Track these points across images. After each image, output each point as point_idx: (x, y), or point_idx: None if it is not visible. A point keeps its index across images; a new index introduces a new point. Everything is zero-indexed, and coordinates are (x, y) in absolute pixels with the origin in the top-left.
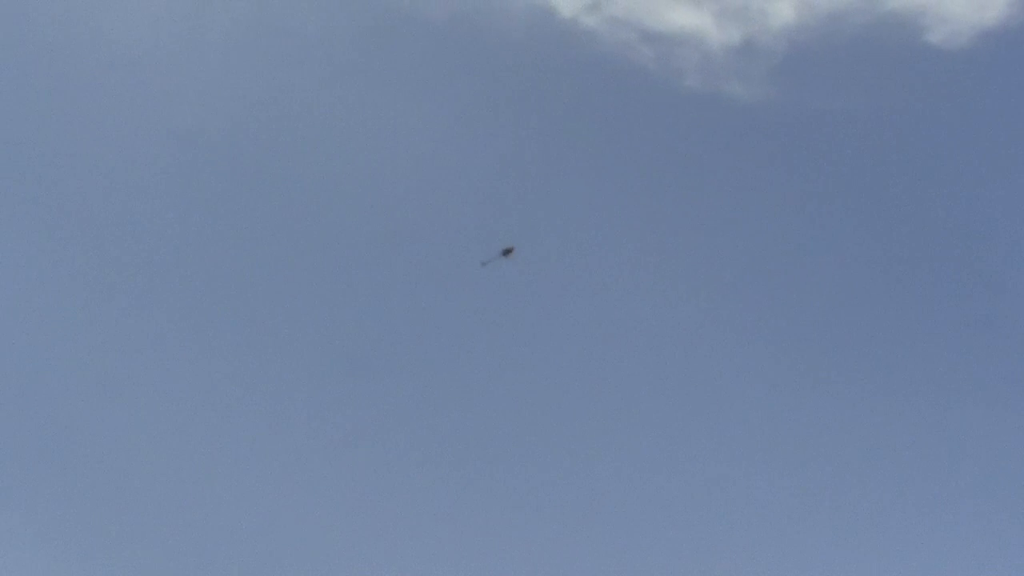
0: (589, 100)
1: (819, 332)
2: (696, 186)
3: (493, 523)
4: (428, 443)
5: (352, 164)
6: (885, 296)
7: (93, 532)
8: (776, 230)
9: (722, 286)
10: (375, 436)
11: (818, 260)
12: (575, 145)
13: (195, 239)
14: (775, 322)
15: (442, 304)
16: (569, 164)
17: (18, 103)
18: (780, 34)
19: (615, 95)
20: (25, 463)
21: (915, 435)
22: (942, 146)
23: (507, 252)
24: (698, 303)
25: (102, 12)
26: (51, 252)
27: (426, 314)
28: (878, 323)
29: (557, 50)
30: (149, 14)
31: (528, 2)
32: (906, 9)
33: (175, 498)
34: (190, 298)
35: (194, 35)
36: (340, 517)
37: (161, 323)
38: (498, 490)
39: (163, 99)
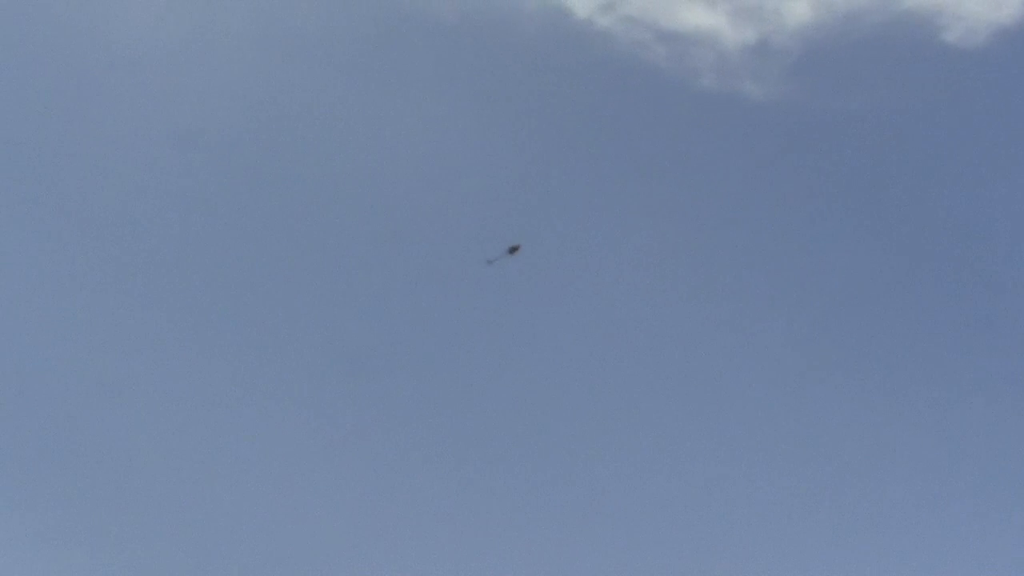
0: (604, 100)
1: (832, 331)
2: (711, 186)
3: (494, 522)
4: (430, 442)
5: (365, 164)
6: (901, 295)
7: (93, 531)
8: (791, 229)
9: (737, 285)
10: (378, 435)
11: (834, 259)
12: (590, 145)
13: (208, 237)
14: (787, 321)
15: (451, 304)
16: (584, 164)
17: (22, 103)
18: (795, 33)
19: (630, 95)
20: (27, 463)
21: (916, 434)
22: (958, 145)
23: (513, 250)
24: (711, 302)
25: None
26: (58, 251)
27: (434, 314)
28: (893, 323)
29: (572, 50)
30: (156, 13)
31: (543, 2)
32: (922, 8)
33: (176, 497)
34: (197, 295)
35: (205, 35)
36: (341, 516)
37: (171, 320)
38: (499, 489)
39: (169, 99)
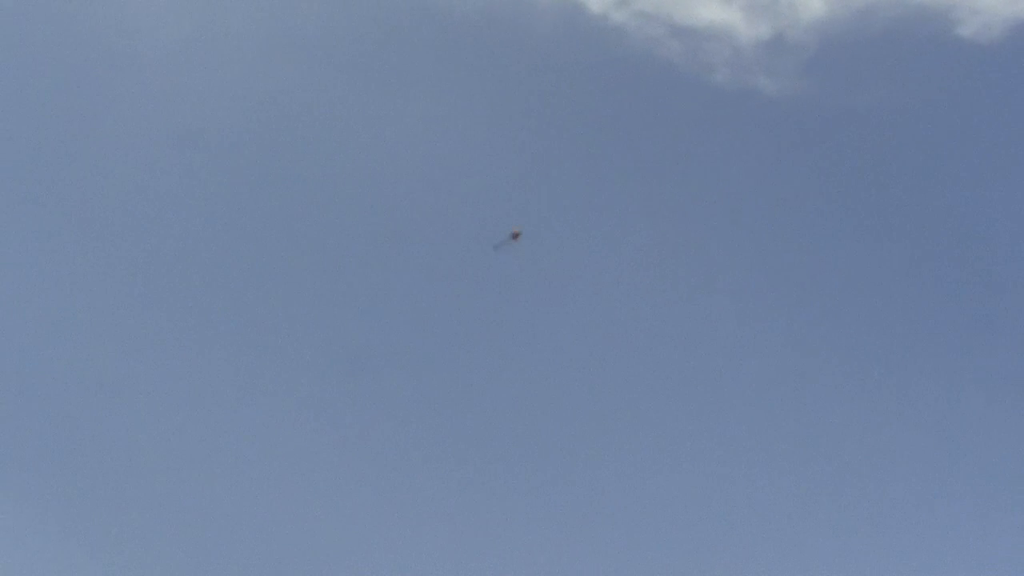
0: (618, 95)
1: (846, 329)
2: (725, 181)
3: (494, 521)
4: (430, 441)
5: (376, 161)
6: (916, 292)
7: (93, 531)
8: (806, 225)
9: (749, 281)
10: (379, 433)
11: (849, 256)
12: (604, 140)
13: (214, 235)
14: (799, 317)
15: (456, 301)
16: (598, 159)
17: (23, 102)
18: (810, 28)
19: (644, 90)
20: (27, 463)
21: (917, 434)
22: (974, 140)
23: (515, 235)
24: (720, 298)
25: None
26: (59, 251)
27: (436, 312)
28: (906, 320)
29: (586, 45)
30: (165, 12)
31: None
32: (937, 2)
33: (175, 496)
34: (202, 293)
35: (215, 32)
36: (340, 514)
37: (171, 318)
38: (499, 488)
39: (176, 99)
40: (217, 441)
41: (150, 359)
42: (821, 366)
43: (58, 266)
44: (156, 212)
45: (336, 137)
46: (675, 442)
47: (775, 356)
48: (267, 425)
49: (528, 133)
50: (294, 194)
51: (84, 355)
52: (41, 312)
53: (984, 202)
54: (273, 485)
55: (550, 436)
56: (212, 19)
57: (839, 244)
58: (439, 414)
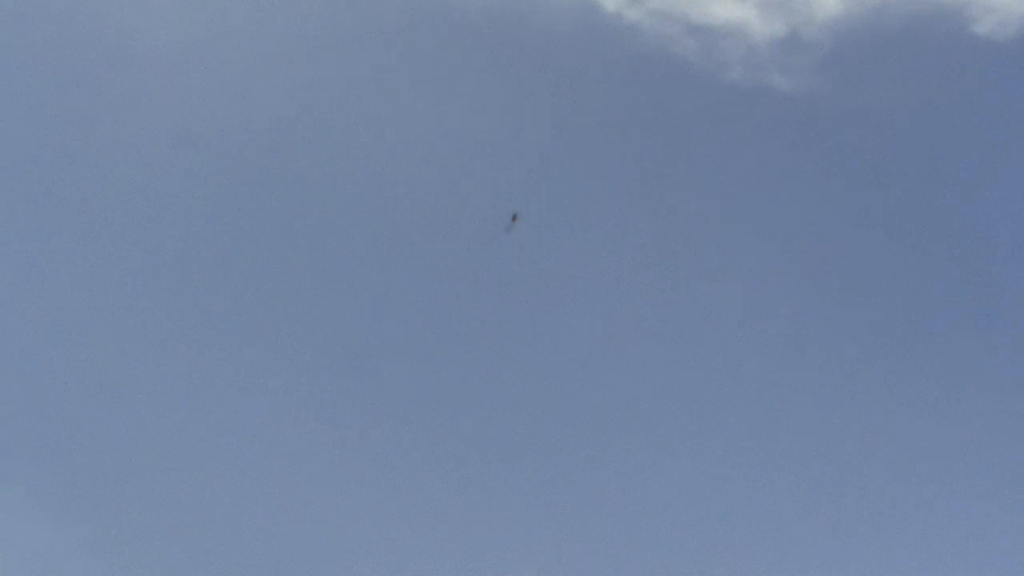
0: (632, 93)
1: (856, 327)
2: (740, 178)
3: (494, 521)
4: (432, 440)
5: (388, 158)
6: (928, 291)
7: (94, 531)
8: (821, 222)
9: (760, 279)
10: (381, 432)
11: (864, 253)
12: (619, 138)
13: (220, 232)
14: (813, 315)
15: (459, 300)
16: (612, 157)
17: (22, 102)
18: (825, 26)
19: (658, 88)
20: (27, 463)
21: (917, 434)
22: (989, 138)
23: (514, 218)
24: (731, 297)
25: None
26: (59, 251)
27: (438, 311)
28: (921, 321)
29: (601, 44)
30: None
31: None
32: (952, 0)
33: (175, 495)
34: (205, 292)
35: (231, 33)
36: (340, 513)
37: (172, 316)
38: (499, 487)
39: (196, 99)
40: (217, 440)
41: (150, 358)
42: (822, 366)
43: (58, 266)
44: (156, 212)
45: (346, 135)
46: (676, 441)
47: (775, 356)
48: (267, 423)
49: (543, 131)
50: (299, 192)
51: (84, 355)
52: (41, 312)
53: (1000, 200)
54: (273, 484)
55: (551, 434)
56: (214, 19)
57: (853, 242)
58: (440, 412)
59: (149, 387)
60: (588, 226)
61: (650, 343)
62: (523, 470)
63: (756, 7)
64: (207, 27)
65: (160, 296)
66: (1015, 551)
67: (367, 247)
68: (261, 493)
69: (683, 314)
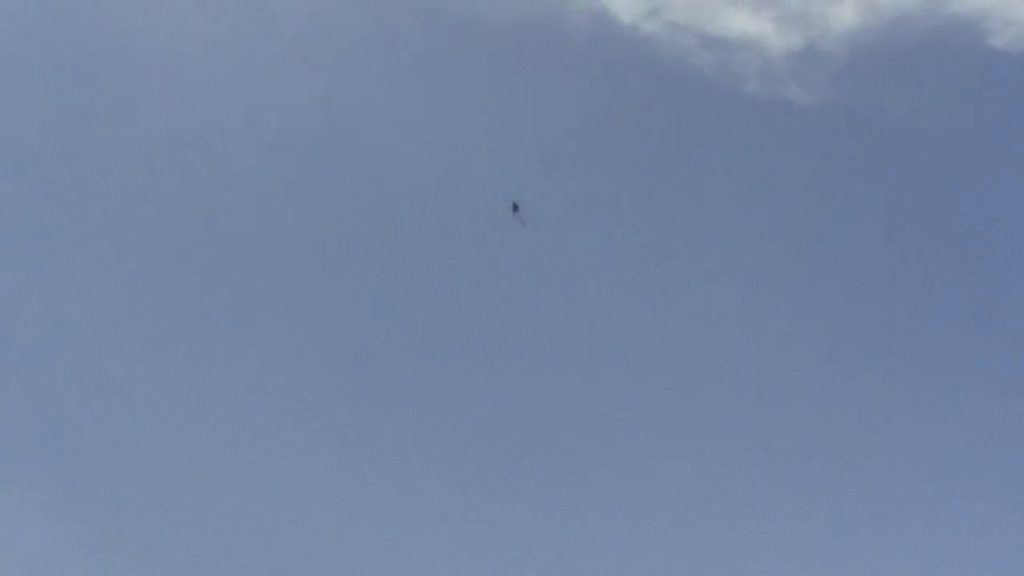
0: (649, 105)
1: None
2: (757, 191)
3: (495, 521)
4: (432, 440)
5: (398, 161)
6: (943, 300)
7: (94, 531)
8: (837, 234)
9: (772, 289)
10: (381, 432)
11: (880, 266)
12: (636, 150)
13: (220, 232)
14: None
15: (463, 299)
16: (629, 169)
17: (24, 102)
18: (841, 39)
19: (675, 100)
20: (27, 463)
21: (917, 434)
22: (1006, 151)
23: (515, 208)
24: (740, 305)
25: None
26: (59, 251)
27: (440, 311)
28: (921, 321)
29: (617, 56)
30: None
31: (589, 9)
32: (970, 13)
33: (175, 495)
34: (206, 291)
35: (230, 34)
36: (341, 514)
37: (174, 315)
38: (500, 487)
39: (196, 99)
40: (217, 440)
41: (150, 358)
42: (822, 366)
43: (58, 266)
44: (156, 212)
45: (348, 136)
46: (676, 441)
47: (775, 356)
48: (268, 424)
49: (560, 143)
50: (299, 192)
51: (84, 355)
52: (41, 312)
53: (1017, 213)
54: (273, 484)
55: (551, 434)
56: (215, 19)
57: (871, 254)
58: (440, 412)
59: (149, 387)
60: (598, 231)
61: (650, 343)
62: (523, 470)
63: (772, 20)
64: (207, 27)
65: (160, 296)
66: (1015, 551)
67: (368, 247)
68: (261, 493)
69: (683, 314)
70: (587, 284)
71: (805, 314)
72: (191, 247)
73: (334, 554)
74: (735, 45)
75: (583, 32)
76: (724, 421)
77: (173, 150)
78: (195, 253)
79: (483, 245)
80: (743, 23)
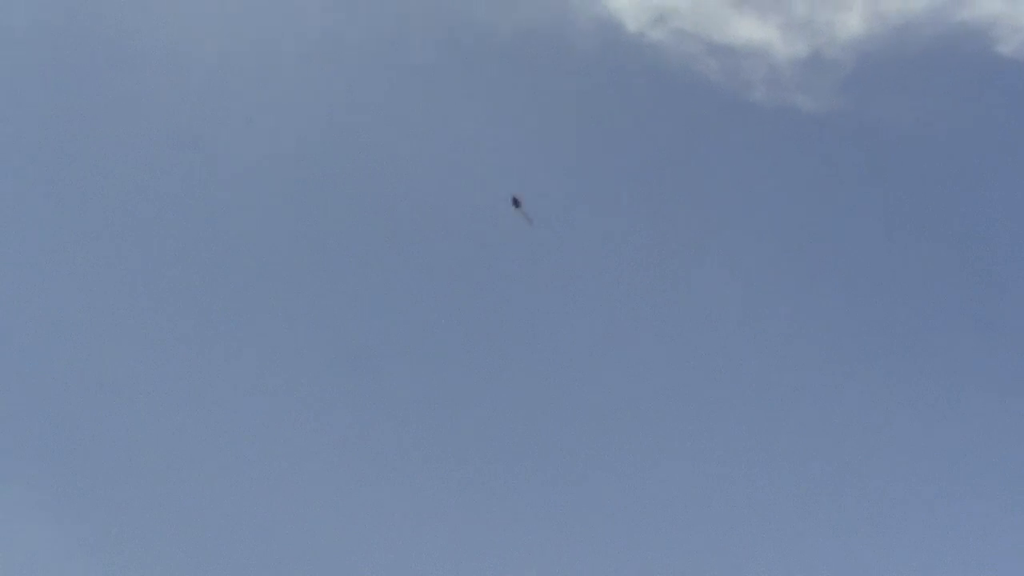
0: (655, 113)
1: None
2: (763, 198)
3: (495, 521)
4: (432, 440)
5: (400, 164)
6: (952, 308)
7: (94, 531)
8: (843, 242)
9: (773, 295)
10: (382, 432)
11: (887, 274)
12: (641, 157)
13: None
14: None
15: (464, 299)
16: (635, 176)
17: (23, 102)
18: (847, 46)
19: (681, 108)
20: (28, 462)
21: (917, 434)
22: (1013, 159)
23: (516, 203)
24: (742, 313)
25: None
26: (59, 251)
27: (441, 311)
28: (921, 321)
29: (623, 63)
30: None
31: (595, 16)
32: (977, 20)
33: (175, 495)
34: (206, 291)
35: (231, 33)
36: (341, 514)
37: (174, 314)
38: (500, 487)
39: (196, 99)
40: (217, 440)
41: (150, 358)
42: (822, 366)
43: (58, 266)
44: (156, 212)
45: (348, 137)
46: (676, 440)
47: (775, 355)
48: (268, 424)
49: (566, 149)
50: (299, 192)
51: (84, 355)
52: (41, 312)
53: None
54: (274, 484)
55: (551, 434)
56: (215, 19)
57: (877, 260)
58: (441, 412)
59: (149, 387)
60: (604, 236)
61: (650, 342)
62: (523, 470)
63: (778, 27)
64: (208, 27)
65: (160, 296)
66: (1015, 551)
67: (369, 251)
68: (261, 493)
69: (687, 316)
70: (592, 288)
71: (807, 316)
72: (192, 247)
73: (334, 554)
74: (741, 52)
75: (589, 39)
76: (724, 421)
77: (174, 150)
78: (196, 253)
79: (485, 247)
80: (749, 30)
